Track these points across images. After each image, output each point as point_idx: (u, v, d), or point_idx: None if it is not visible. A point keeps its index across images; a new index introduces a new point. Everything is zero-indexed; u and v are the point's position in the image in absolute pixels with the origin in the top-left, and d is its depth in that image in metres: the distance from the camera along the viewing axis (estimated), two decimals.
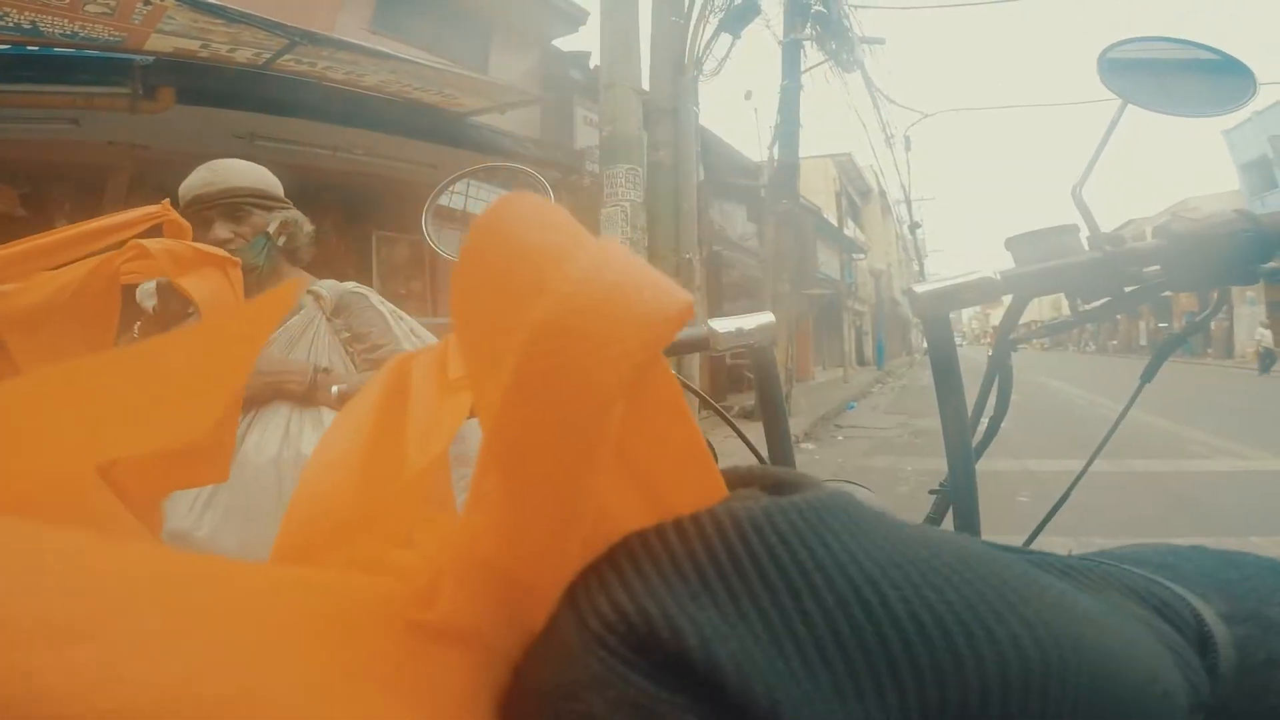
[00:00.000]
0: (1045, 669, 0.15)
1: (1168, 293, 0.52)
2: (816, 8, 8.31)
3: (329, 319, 1.23)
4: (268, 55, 3.84)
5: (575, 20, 7.04)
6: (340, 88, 4.30)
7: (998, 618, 0.15)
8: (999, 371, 0.60)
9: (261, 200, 1.22)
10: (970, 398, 0.56)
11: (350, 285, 1.27)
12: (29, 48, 3.29)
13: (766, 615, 0.14)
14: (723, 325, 0.55)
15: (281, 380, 1.11)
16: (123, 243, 0.64)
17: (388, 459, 0.23)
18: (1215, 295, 0.54)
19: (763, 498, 0.16)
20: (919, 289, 0.52)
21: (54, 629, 0.11)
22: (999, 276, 0.51)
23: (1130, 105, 0.53)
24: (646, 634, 0.14)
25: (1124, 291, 0.51)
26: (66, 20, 3.22)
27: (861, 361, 23.50)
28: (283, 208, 1.25)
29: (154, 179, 3.47)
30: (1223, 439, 6.35)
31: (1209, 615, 0.22)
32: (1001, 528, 0.59)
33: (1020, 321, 0.61)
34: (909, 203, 21.61)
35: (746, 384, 8.92)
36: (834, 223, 16.89)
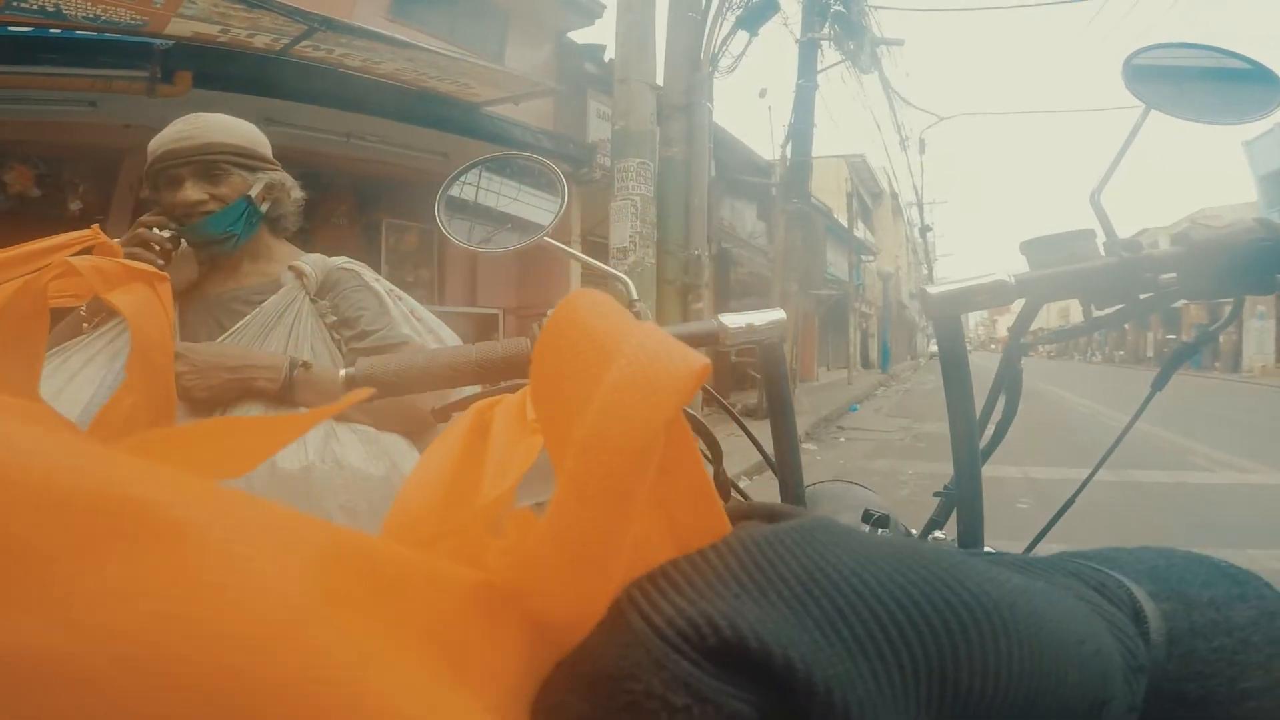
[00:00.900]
0: (992, 628, 0.20)
1: (1182, 301, 0.52)
2: (836, 8, 8.25)
3: (313, 299, 1.07)
4: (286, 41, 3.85)
5: (591, 13, 7.02)
6: (356, 75, 4.31)
7: (950, 591, 0.20)
8: (1008, 375, 0.60)
9: (244, 159, 1.05)
10: (974, 401, 0.56)
11: (340, 260, 1.12)
12: (51, 30, 3.31)
13: (788, 604, 0.18)
14: (733, 320, 0.55)
15: (249, 377, 0.95)
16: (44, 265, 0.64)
17: (467, 487, 0.27)
18: (1231, 304, 0.53)
19: (765, 526, 0.21)
20: (931, 290, 0.52)
21: None
22: (1013, 280, 0.51)
23: (1153, 111, 0.53)
24: (704, 628, 0.17)
25: (1139, 298, 0.50)
26: (89, 3, 3.23)
27: (866, 364, 23.43)
28: (269, 169, 1.09)
29: None
30: (1225, 452, 6.32)
31: (1139, 594, 0.27)
32: (999, 533, 0.58)
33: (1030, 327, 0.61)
34: (921, 206, 21.47)
35: (750, 382, 8.90)
36: (844, 223, 16.82)
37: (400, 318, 1.11)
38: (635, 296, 0.66)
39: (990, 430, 0.63)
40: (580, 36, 7.15)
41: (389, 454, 1.01)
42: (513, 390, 0.64)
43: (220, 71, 3.71)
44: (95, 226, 0.73)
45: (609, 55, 5.89)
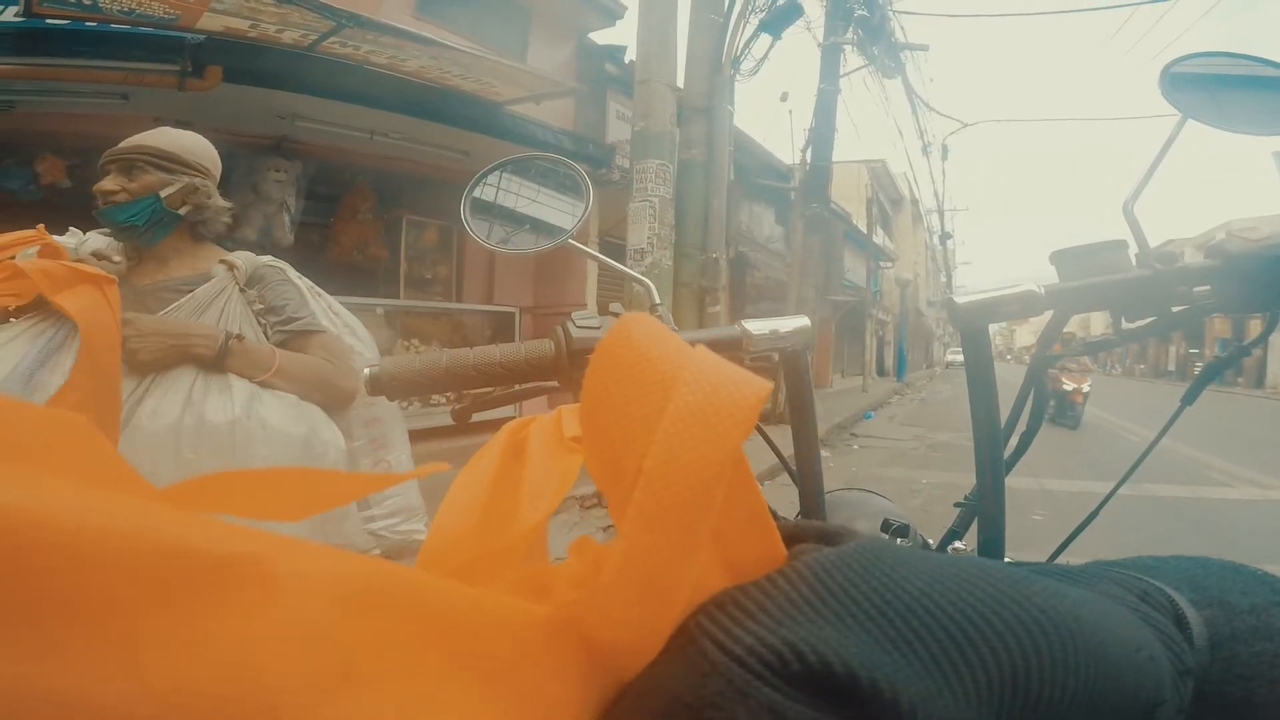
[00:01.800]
0: (1060, 640, 0.20)
1: (1216, 314, 0.51)
2: (859, 12, 8.20)
3: (242, 289, 1.20)
4: (314, 37, 3.89)
5: (613, 14, 7.03)
6: (381, 72, 4.35)
7: (1019, 605, 0.20)
8: (1034, 386, 0.59)
9: (164, 162, 1.17)
10: (999, 411, 0.56)
11: (266, 259, 1.25)
12: (87, 24, 3.37)
13: (865, 627, 0.19)
14: (757, 327, 0.54)
15: (188, 344, 1.06)
16: None
17: (504, 511, 0.27)
18: (1265, 319, 0.52)
19: (824, 548, 0.22)
20: (959, 300, 0.52)
21: None
22: (1042, 290, 0.50)
23: (1189, 121, 0.52)
24: (786, 655, 0.18)
25: (1171, 311, 0.50)
26: None
27: (881, 372, 23.23)
28: (191, 175, 1.19)
29: None
30: (1246, 468, 6.21)
31: (1181, 601, 0.27)
32: (1014, 545, 0.58)
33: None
34: (942, 213, 21.25)
35: None
36: (863, 229, 16.69)
37: (320, 311, 1.26)
38: (657, 300, 0.66)
39: (1013, 441, 0.62)
40: (601, 37, 7.17)
41: (309, 419, 1.14)
42: (533, 395, 0.65)
43: (249, 66, 3.76)
44: (40, 227, 0.75)
45: (629, 56, 5.89)
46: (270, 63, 3.85)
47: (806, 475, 0.57)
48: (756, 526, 0.21)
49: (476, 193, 0.71)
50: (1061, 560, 0.59)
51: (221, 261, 1.22)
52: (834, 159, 8.39)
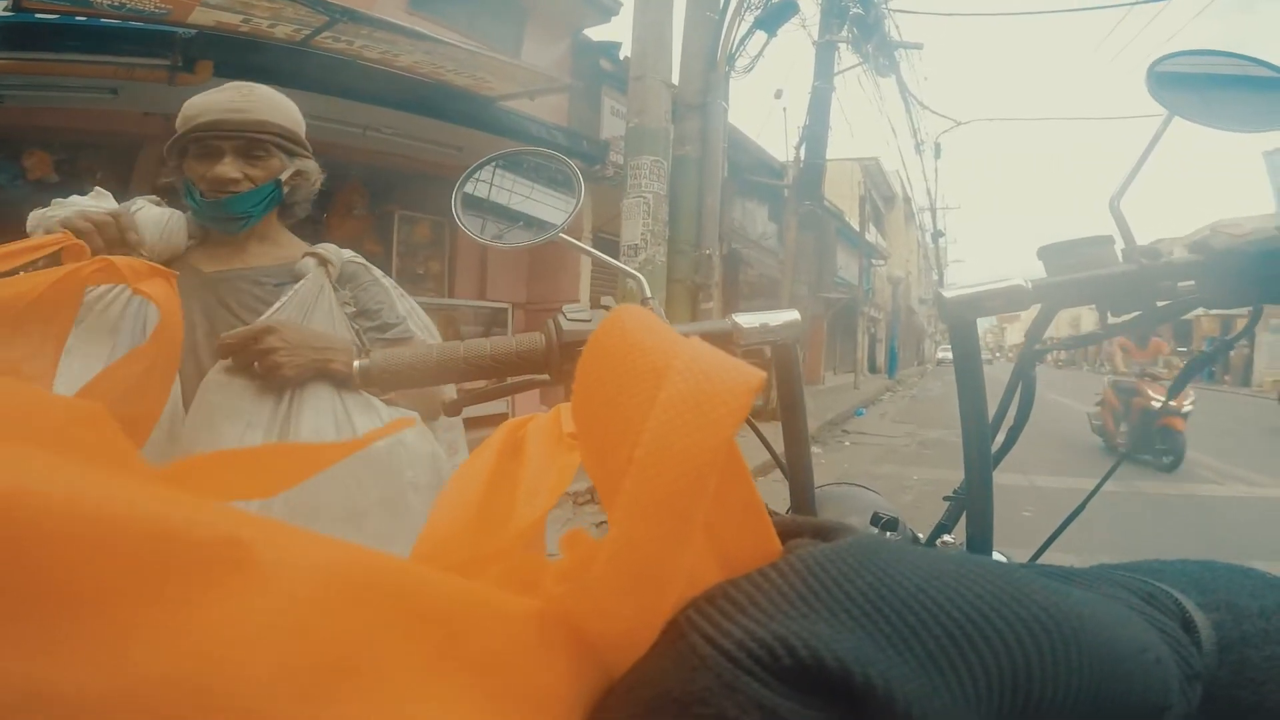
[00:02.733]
0: (1063, 639, 0.20)
1: (1196, 312, 0.52)
2: (854, 10, 8.21)
3: (335, 288, 1.07)
4: (307, 32, 3.87)
5: (608, 10, 7.01)
6: (375, 67, 4.32)
7: (1019, 604, 0.20)
8: (1022, 381, 0.59)
9: (288, 142, 1.04)
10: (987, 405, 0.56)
11: (349, 253, 1.12)
12: (77, 17, 3.34)
13: (859, 622, 0.18)
14: (747, 320, 0.55)
15: (328, 359, 0.93)
16: (23, 266, 0.69)
17: (500, 508, 0.27)
18: (1248, 315, 0.53)
19: (820, 544, 0.21)
20: (947, 293, 0.52)
21: None
22: (1029, 284, 0.50)
23: (1175, 118, 0.52)
24: (777, 649, 0.17)
25: (1156, 305, 0.50)
26: None
27: (873, 369, 23.31)
28: (304, 155, 1.08)
29: None
30: (1234, 465, 6.27)
31: (1188, 604, 0.27)
32: (1003, 541, 0.58)
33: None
34: (934, 210, 21.33)
35: None
36: (856, 227, 16.74)
37: (406, 314, 1.13)
38: (649, 294, 0.66)
39: (1001, 436, 0.62)
40: (596, 34, 7.15)
41: (429, 435, 1.04)
42: (525, 388, 0.65)
43: (241, 61, 3.72)
44: (66, 231, 0.78)
45: (624, 52, 5.89)
46: (262, 57, 3.83)
47: (797, 470, 0.57)
48: (751, 520, 0.21)
49: (468, 188, 0.71)
50: (1047, 559, 0.60)
51: (309, 254, 1.07)
52: (828, 156, 8.41)
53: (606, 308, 0.56)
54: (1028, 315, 0.59)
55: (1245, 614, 0.27)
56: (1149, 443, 5.74)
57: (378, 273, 1.13)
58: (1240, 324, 0.58)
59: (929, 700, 0.17)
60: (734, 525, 0.21)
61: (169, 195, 1.09)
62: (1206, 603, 0.28)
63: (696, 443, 0.18)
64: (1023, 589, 0.20)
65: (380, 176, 5.46)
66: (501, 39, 5.98)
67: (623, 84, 5.20)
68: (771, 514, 0.23)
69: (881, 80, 10.09)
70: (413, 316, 1.14)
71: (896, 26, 9.93)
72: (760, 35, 6.03)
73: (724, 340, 0.55)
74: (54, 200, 1.00)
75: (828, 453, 6.92)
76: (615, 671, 0.19)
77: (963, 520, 0.60)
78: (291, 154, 1.05)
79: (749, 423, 0.67)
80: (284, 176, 1.04)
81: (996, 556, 0.58)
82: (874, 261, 20.81)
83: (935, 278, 35.94)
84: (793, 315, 0.55)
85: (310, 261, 1.06)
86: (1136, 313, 0.51)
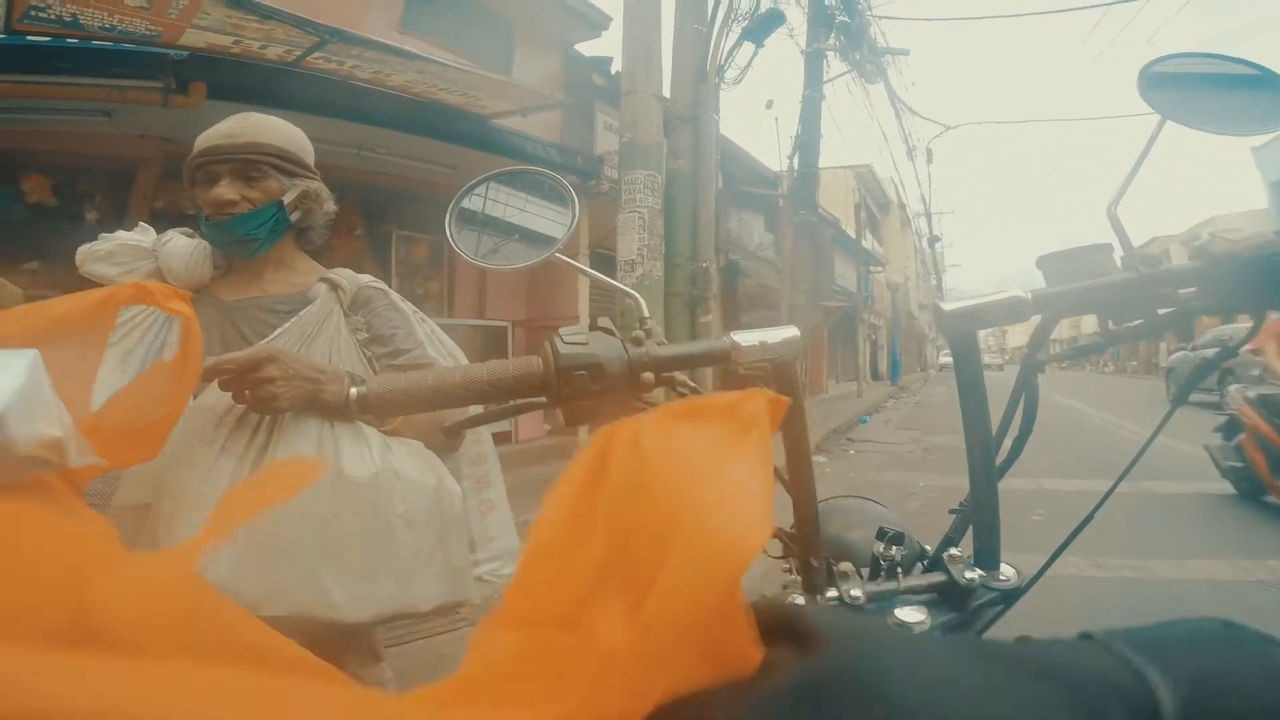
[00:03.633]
0: None
1: (1202, 316, 0.51)
2: (840, 18, 8.29)
3: (346, 314, 1.05)
4: (298, 53, 3.90)
5: (598, 25, 7.07)
6: (367, 86, 4.35)
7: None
8: (1025, 390, 0.59)
9: (284, 163, 1.05)
10: (990, 417, 0.56)
11: (367, 278, 1.10)
12: (68, 40, 3.36)
13: None
14: (746, 339, 0.54)
15: (319, 388, 0.88)
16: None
17: (583, 555, 0.28)
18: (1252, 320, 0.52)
19: (795, 663, 0.23)
20: (946, 306, 0.52)
21: None
22: (1029, 296, 0.50)
23: (1169, 121, 0.52)
24: None
25: (1157, 313, 0.50)
26: (106, 13, 3.28)
27: (875, 375, 23.32)
28: (307, 177, 1.08)
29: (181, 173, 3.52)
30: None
31: (1152, 676, 0.24)
32: (1015, 546, 0.58)
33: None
34: (929, 215, 21.42)
35: None
36: (852, 234, 16.80)
37: (425, 339, 1.11)
38: (646, 314, 0.65)
39: (1006, 445, 0.62)
40: (587, 49, 7.21)
41: (434, 467, 1.01)
42: (524, 411, 0.64)
43: (233, 82, 3.75)
44: (138, 282, 0.81)
45: (615, 67, 5.93)
46: (255, 78, 3.86)
47: (799, 485, 0.57)
48: (735, 628, 0.23)
49: (462, 208, 0.71)
50: (1069, 565, 0.59)
51: (323, 280, 1.06)
52: (821, 165, 8.46)
53: (604, 329, 0.56)
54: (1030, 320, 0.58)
55: (1213, 685, 0.25)
56: None
57: (396, 298, 1.11)
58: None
59: None
60: (720, 631, 0.23)
61: (165, 220, 1.13)
62: (1171, 673, 0.25)
63: (701, 601, 0.21)
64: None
65: (376, 197, 5.49)
66: (492, 56, 6.03)
67: (615, 99, 5.23)
68: (757, 606, 0.25)
69: (871, 88, 10.17)
70: (433, 342, 1.12)
71: (883, 33, 10.03)
72: (748, 46, 6.08)
73: (723, 359, 0.55)
74: (100, 235, 1.05)
75: (833, 461, 6.90)
76: None
77: (969, 533, 0.59)
78: (290, 174, 1.06)
79: None
80: (286, 199, 1.05)
81: (1005, 567, 0.57)
82: (872, 268, 20.87)
83: (934, 282, 36.06)
84: (792, 332, 0.55)
85: (322, 287, 1.06)
86: (1139, 321, 0.50)
